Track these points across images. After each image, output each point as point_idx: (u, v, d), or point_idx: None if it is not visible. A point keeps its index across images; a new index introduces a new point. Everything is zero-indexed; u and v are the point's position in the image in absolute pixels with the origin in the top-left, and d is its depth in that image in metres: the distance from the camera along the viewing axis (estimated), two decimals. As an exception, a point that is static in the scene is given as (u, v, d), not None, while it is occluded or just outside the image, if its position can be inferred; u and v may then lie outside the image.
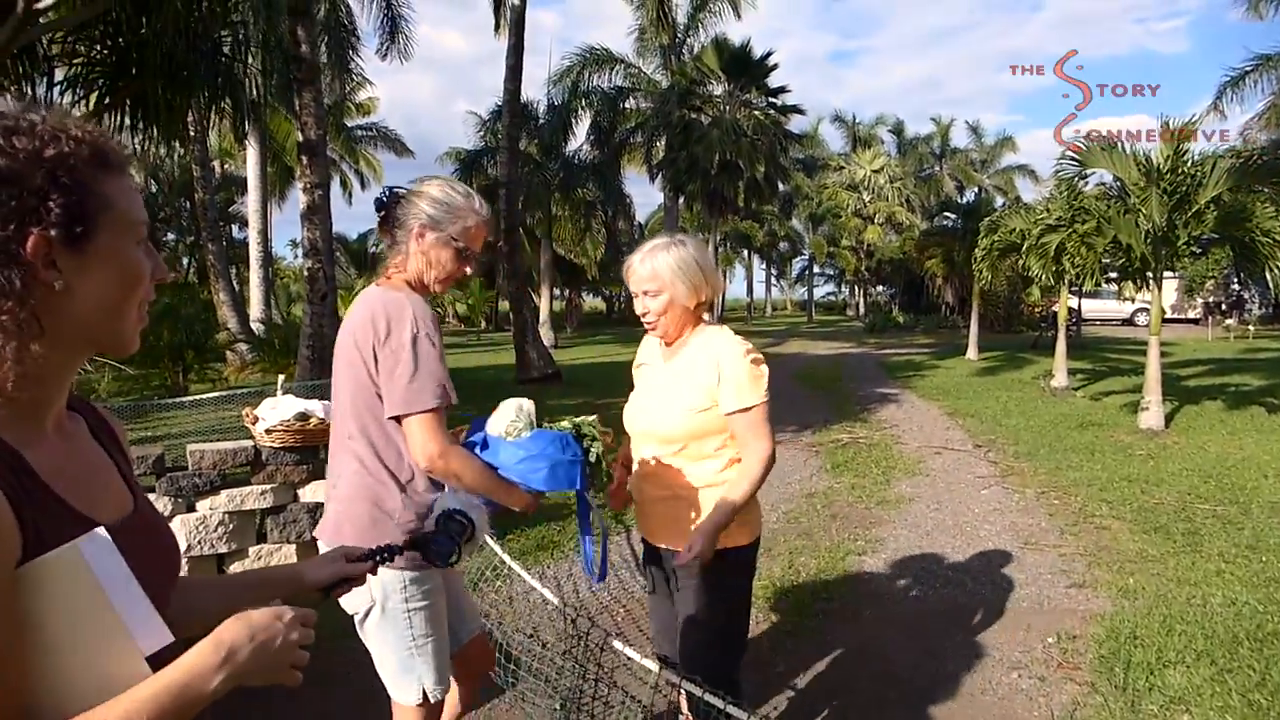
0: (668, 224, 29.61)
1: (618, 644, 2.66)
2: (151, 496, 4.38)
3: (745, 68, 25.18)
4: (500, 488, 2.01)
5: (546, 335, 24.98)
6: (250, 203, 19.70)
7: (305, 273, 9.54)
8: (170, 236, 25.90)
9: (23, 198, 0.83)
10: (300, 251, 11.02)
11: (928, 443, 9.05)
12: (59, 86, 9.77)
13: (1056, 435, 9.26)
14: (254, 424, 4.60)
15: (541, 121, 26.54)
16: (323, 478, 4.32)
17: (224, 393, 8.73)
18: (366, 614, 2.04)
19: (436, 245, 2.05)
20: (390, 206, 2.07)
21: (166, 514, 4.41)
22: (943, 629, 4.08)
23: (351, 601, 2.02)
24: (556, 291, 34.87)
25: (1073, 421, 10.13)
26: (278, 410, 4.76)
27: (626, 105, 27.78)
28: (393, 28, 18.92)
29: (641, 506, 2.46)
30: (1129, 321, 32.15)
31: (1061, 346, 13.83)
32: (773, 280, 65.24)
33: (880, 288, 48.87)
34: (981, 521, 5.92)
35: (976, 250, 14.89)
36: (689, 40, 26.81)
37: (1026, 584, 4.66)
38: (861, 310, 47.38)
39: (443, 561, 1.50)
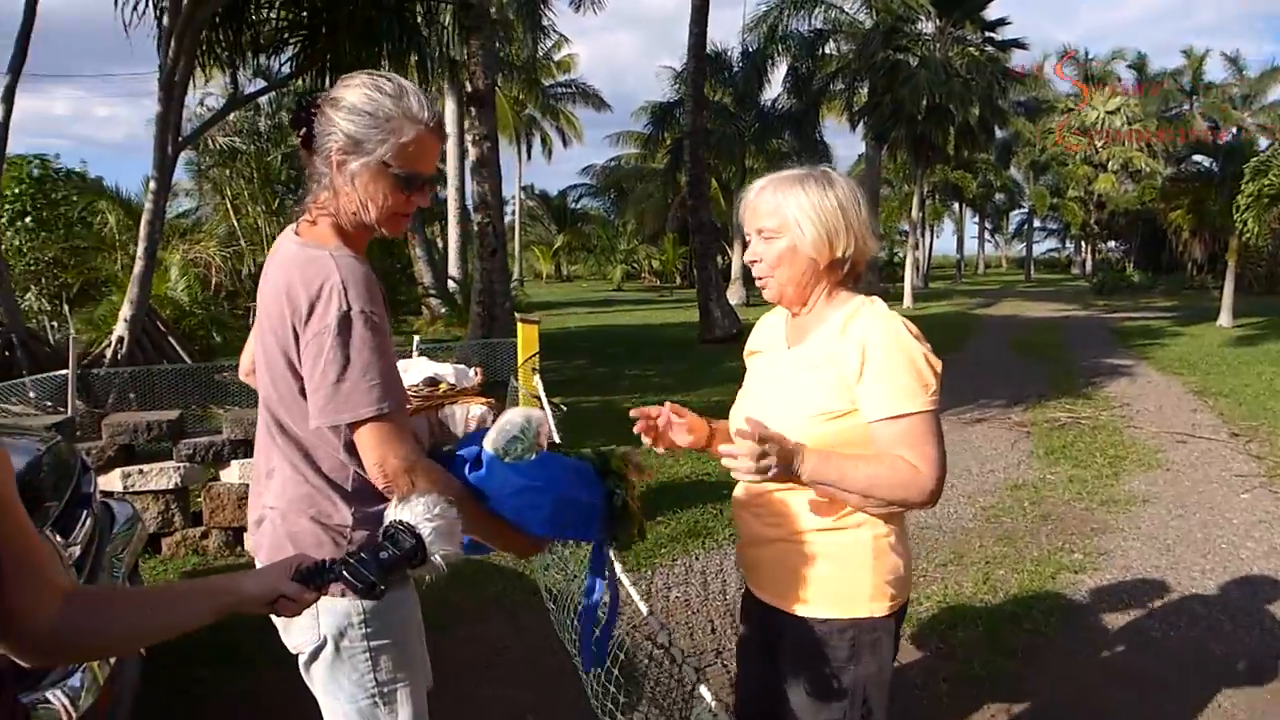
0: (869, 174, 27.99)
1: (704, 691, 2.05)
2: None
3: (959, 0, 22.94)
4: (484, 524, 1.49)
5: (738, 292, 24.33)
6: (449, 159, 20.16)
7: (475, 227, 9.43)
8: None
9: None
10: (471, 205, 10.98)
11: (1168, 427, 7.62)
12: (265, 51, 10.24)
13: (1342, 424, 7.55)
14: (383, 389, 4.34)
15: (735, 70, 25.59)
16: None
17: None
18: (315, 653, 1.56)
19: (365, 174, 1.47)
20: (309, 123, 1.50)
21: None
22: (1190, 686, 3.13)
23: (294, 635, 1.56)
24: (751, 247, 33.98)
25: (1364, 407, 8.27)
26: (408, 375, 4.49)
27: (826, 49, 26.25)
28: (586, -24, 18.67)
29: (746, 547, 1.81)
30: None
31: (1348, 313, 11.50)
32: (986, 235, 60.90)
33: (1112, 243, 44.28)
34: (1243, 537, 4.72)
35: (1239, 198, 12.72)
36: (897, -26, 24.82)
37: (1311, 631, 3.56)
38: (1088, 268, 43.33)
39: (360, 590, 1.16)
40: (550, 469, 1.51)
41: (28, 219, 11.53)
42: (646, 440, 1.73)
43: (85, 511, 2.48)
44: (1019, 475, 6.09)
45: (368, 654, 1.57)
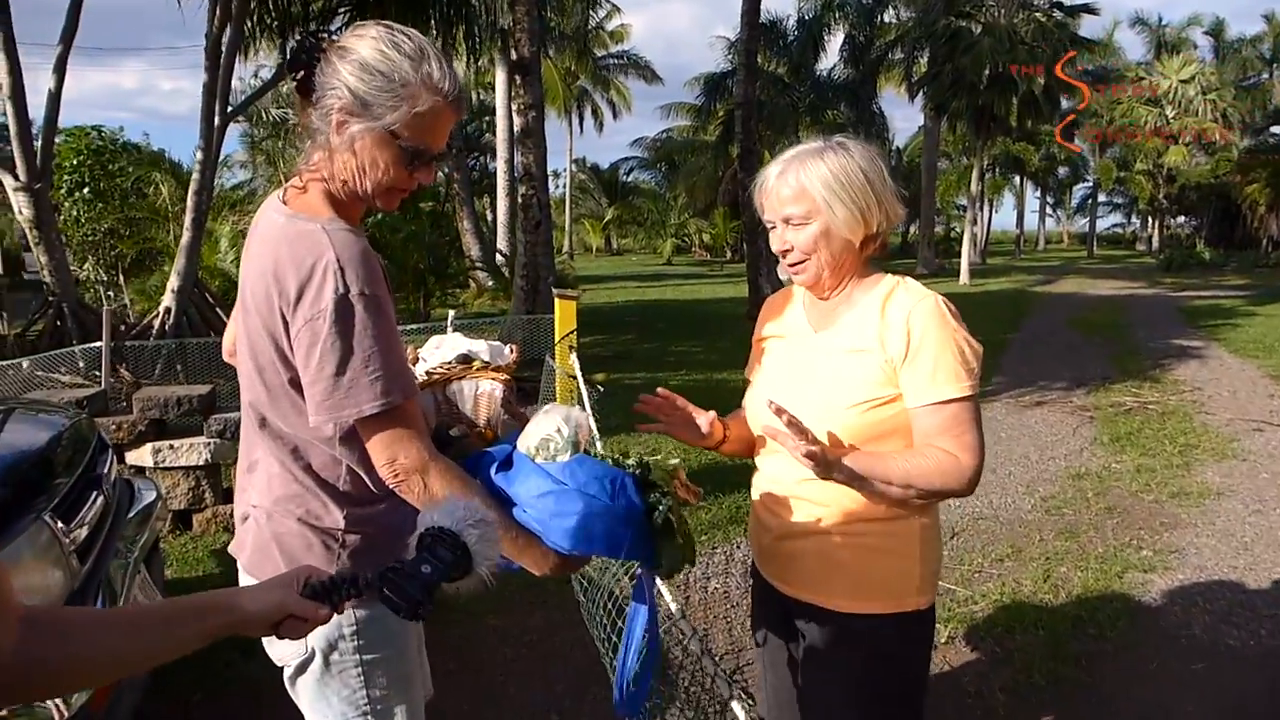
0: (927, 146, 27.24)
1: (736, 708, 1.89)
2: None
3: (1027, -37, 22.07)
4: (509, 534, 1.31)
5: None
6: (499, 131, 20.00)
7: (519, 199, 9.27)
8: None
9: None
10: (516, 176, 10.82)
11: (1243, 414, 7.20)
12: (315, 21, 10.22)
13: None
14: (414, 364, 4.22)
15: (791, 39, 25.02)
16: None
17: (421, 325, 8.74)
18: (302, 666, 1.42)
19: (367, 139, 1.28)
20: (309, 66, 1.30)
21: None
22: (1272, 700, 2.88)
23: (279, 647, 1.42)
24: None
25: None
26: (440, 351, 4.38)
27: (885, 17, 25.55)
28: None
29: (778, 540, 1.66)
30: None
31: None
32: (1048, 210, 59.07)
33: (1181, 218, 42.52)
34: (1329, 535, 4.40)
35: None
36: (961, -63, 23.93)
37: None
38: (1155, 245, 41.67)
39: (405, 610, 1.02)
40: (584, 473, 1.34)
41: (85, 190, 11.69)
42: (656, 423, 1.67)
43: (95, 492, 2.39)
44: (1082, 463, 5.78)
45: (360, 668, 1.43)
